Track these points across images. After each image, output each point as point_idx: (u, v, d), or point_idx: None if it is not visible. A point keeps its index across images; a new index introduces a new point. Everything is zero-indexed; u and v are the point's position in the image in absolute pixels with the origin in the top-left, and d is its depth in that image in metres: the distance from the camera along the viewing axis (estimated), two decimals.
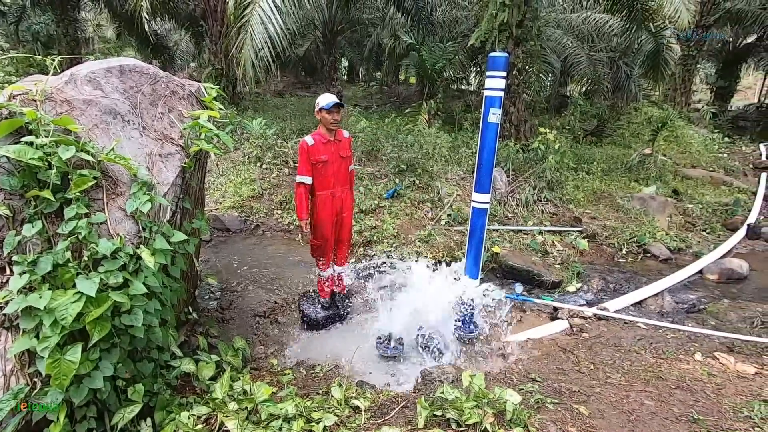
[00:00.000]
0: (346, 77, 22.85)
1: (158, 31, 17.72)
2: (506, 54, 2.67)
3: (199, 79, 10.47)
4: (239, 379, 2.42)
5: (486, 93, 2.76)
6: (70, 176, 1.78)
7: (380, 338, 3.11)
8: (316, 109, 3.24)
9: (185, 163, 2.29)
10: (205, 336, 3.11)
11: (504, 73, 2.69)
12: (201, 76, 11.02)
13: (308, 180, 3.27)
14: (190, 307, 3.34)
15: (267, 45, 6.79)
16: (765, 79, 24.33)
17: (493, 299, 3.10)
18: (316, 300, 3.76)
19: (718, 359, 2.95)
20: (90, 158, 1.81)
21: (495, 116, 2.79)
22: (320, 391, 2.51)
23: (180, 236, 2.05)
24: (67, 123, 1.80)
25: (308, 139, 3.26)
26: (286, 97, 16.34)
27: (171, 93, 2.47)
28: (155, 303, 1.93)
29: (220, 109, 2.71)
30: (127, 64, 2.35)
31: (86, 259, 1.73)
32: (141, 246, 1.87)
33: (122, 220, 1.92)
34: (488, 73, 2.72)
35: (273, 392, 2.21)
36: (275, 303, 4.18)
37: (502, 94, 2.74)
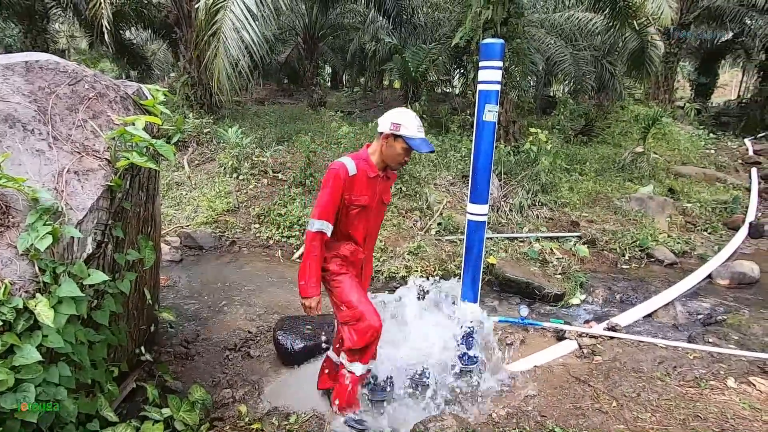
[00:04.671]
0: (329, 83, 22.47)
1: (134, 41, 17.11)
2: (502, 41, 2.28)
3: (176, 89, 9.98)
4: None
5: (480, 87, 2.36)
6: None
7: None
8: (388, 130, 2.06)
9: (112, 182, 1.83)
10: (159, 383, 2.63)
11: (500, 63, 2.30)
12: (178, 84, 10.52)
13: (329, 228, 2.12)
14: (143, 348, 2.85)
15: (243, 53, 6.36)
16: (743, 75, 24.71)
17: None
18: (298, 332, 3.30)
19: (754, 385, 2.58)
20: None
21: (491, 114, 2.39)
22: None
23: (98, 276, 1.59)
24: None
25: (349, 165, 2.08)
26: (268, 105, 15.86)
27: (98, 95, 2.01)
28: (62, 368, 1.46)
29: (165, 114, 2.26)
30: (38, 59, 1.89)
31: None
32: (38, 295, 1.41)
33: (12, 260, 1.45)
34: (482, 64, 2.32)
35: None
36: (249, 332, 3.70)
37: (498, 87, 2.35)
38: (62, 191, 1.66)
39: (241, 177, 6.98)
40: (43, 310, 1.35)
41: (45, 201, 1.53)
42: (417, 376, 2.58)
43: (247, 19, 6.16)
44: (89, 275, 1.57)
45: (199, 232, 5.77)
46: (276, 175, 7.00)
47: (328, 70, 22.54)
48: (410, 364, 2.62)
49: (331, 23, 14.32)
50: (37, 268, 1.47)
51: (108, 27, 6.85)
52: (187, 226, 5.98)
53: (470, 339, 2.68)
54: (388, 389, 2.54)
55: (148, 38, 18.40)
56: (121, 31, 13.63)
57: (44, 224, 1.47)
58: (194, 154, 8.27)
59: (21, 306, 1.36)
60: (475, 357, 2.71)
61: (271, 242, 5.66)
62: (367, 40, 14.70)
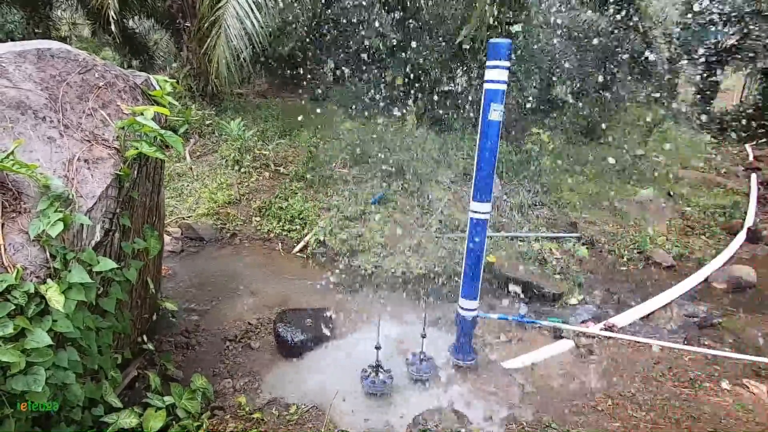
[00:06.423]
0: (331, 78, 22.37)
1: (137, 30, 17.00)
2: (509, 40, 2.30)
3: (178, 79, 9.94)
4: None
5: (486, 86, 2.38)
6: None
7: (365, 371, 2.69)
8: None
9: (121, 171, 1.85)
10: (160, 372, 2.66)
11: (507, 63, 2.31)
12: (180, 75, 10.48)
13: None
14: (145, 336, 2.88)
15: (245, 43, 6.36)
16: (746, 80, 24.70)
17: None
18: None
19: (747, 387, 2.62)
20: None
21: (496, 113, 2.41)
22: None
23: (107, 264, 1.62)
24: None
25: None
26: (270, 99, 15.81)
27: (107, 84, 2.02)
28: (71, 353, 1.48)
29: (172, 104, 2.28)
30: (49, 47, 1.90)
31: None
32: (48, 280, 1.43)
33: (24, 246, 1.47)
34: (489, 63, 2.34)
35: None
36: (249, 324, 3.73)
37: (504, 87, 2.37)
38: (73, 179, 1.68)
39: (242, 170, 6.98)
40: (53, 296, 1.37)
41: (56, 188, 1.55)
42: (415, 371, 2.60)
43: (251, 8, 6.16)
44: (98, 262, 1.60)
45: (200, 224, 5.78)
46: (278, 168, 7.01)
47: (331, 64, 22.44)
48: (407, 358, 2.65)
49: (334, 17, 14.27)
50: (48, 254, 1.49)
51: (114, 17, 6.83)
52: (188, 217, 5.98)
53: (468, 337, 2.71)
54: (388, 382, 2.58)
55: (151, 28, 18.29)
56: (124, 20, 13.54)
57: (55, 211, 1.49)
58: (196, 145, 8.26)
59: (32, 291, 1.39)
60: (472, 352, 2.75)
61: (271, 235, 5.67)
62: (371, 35, 14.64)
